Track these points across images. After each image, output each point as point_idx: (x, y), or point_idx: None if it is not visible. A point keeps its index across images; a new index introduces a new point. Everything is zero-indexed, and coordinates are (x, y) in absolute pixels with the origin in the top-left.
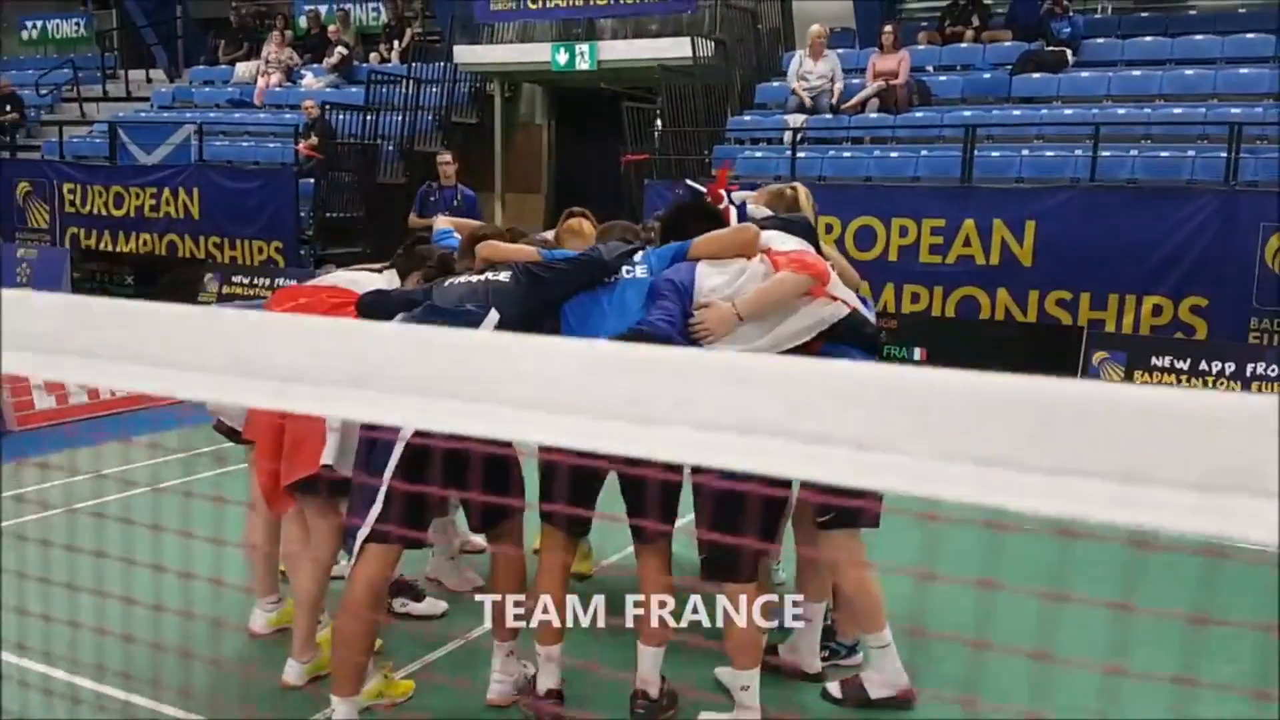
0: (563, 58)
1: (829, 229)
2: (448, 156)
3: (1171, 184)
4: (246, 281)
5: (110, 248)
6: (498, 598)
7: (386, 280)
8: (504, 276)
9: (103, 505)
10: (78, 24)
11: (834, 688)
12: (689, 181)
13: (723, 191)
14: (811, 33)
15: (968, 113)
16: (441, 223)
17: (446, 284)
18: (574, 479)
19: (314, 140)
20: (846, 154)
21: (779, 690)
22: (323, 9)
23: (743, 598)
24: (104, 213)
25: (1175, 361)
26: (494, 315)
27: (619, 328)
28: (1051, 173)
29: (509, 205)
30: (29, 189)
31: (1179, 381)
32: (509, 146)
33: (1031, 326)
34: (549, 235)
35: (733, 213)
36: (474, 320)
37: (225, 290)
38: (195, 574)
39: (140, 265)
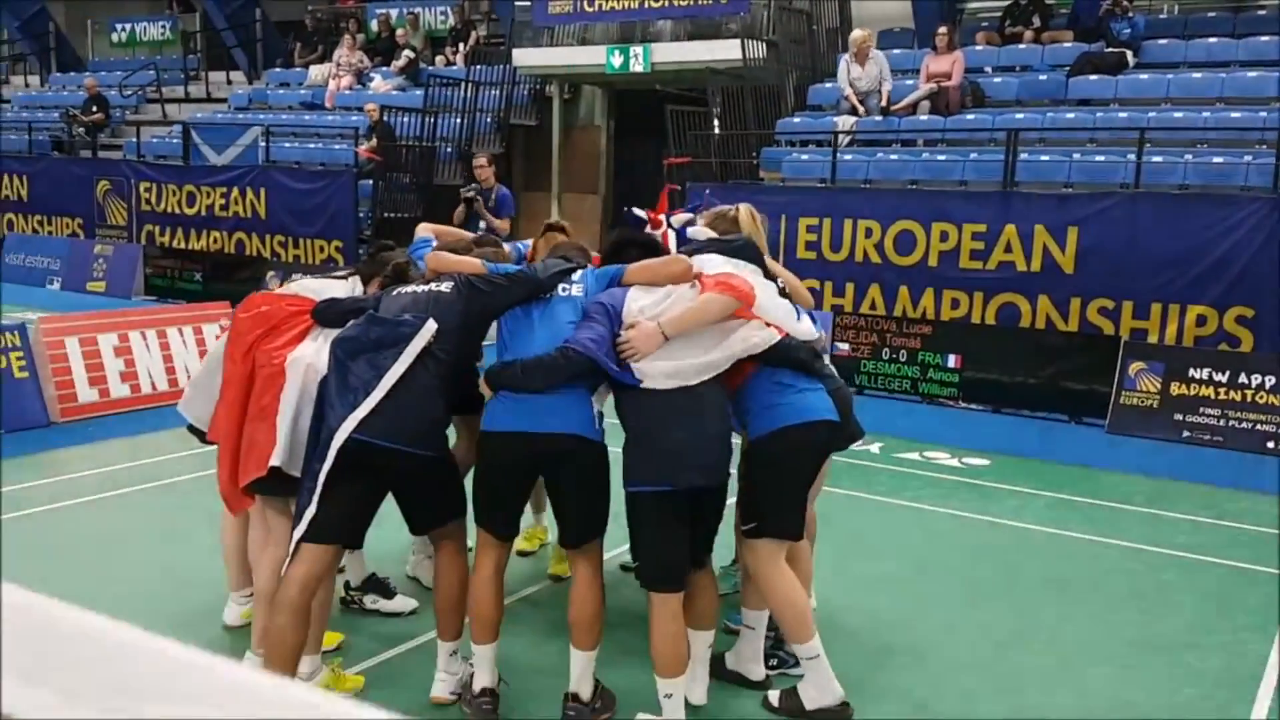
0: (617, 60)
1: (869, 233)
2: (482, 160)
3: (1218, 190)
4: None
5: (183, 245)
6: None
7: (350, 286)
8: (446, 287)
9: (121, 494)
10: (164, 27)
11: (774, 696)
12: (633, 209)
13: (662, 216)
14: (854, 39)
15: (1020, 115)
16: (422, 230)
17: (395, 293)
18: (502, 485)
19: (374, 143)
20: (893, 157)
21: (721, 697)
22: (393, 13)
23: (659, 605)
24: (177, 211)
25: (1214, 374)
26: (431, 325)
27: (547, 341)
28: (1102, 178)
29: (566, 206)
30: (109, 187)
31: (1217, 394)
32: (567, 147)
33: (1071, 335)
34: (528, 242)
35: (671, 236)
36: (410, 330)
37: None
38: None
39: (208, 262)
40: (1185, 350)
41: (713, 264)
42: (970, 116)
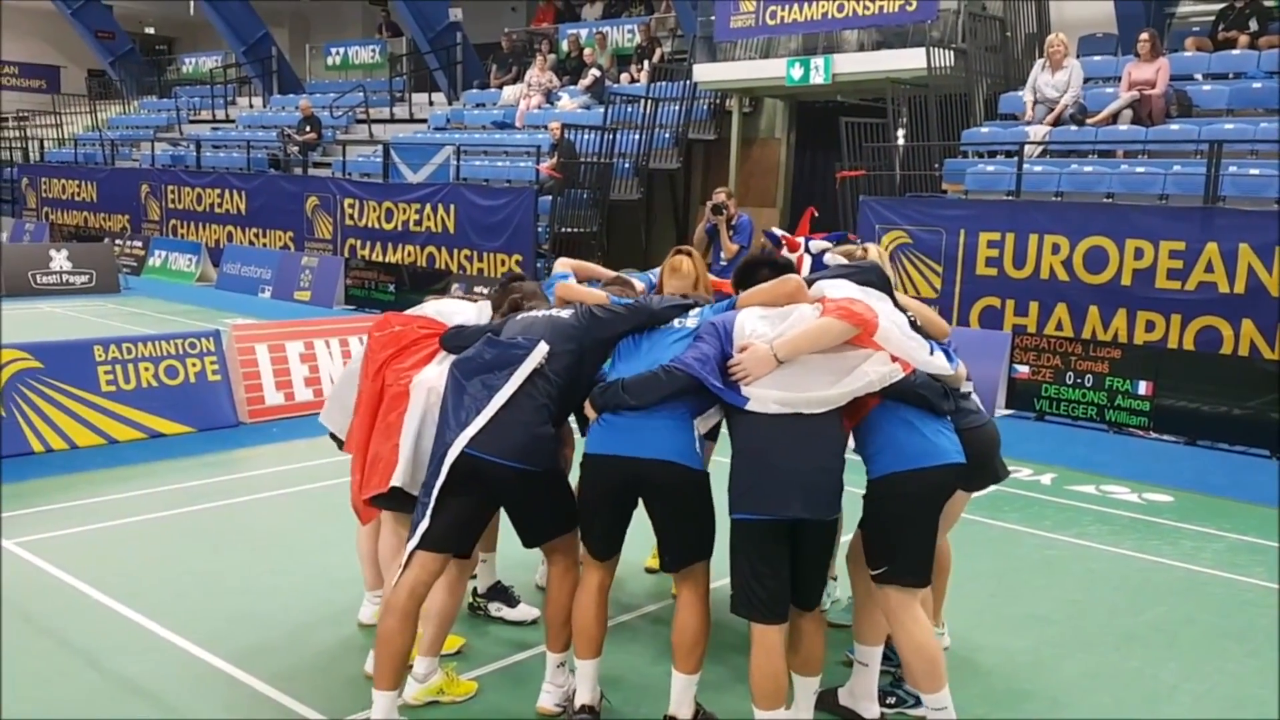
0: (797, 72)
1: (1055, 249)
2: (722, 196)
3: None
4: (485, 292)
5: (380, 258)
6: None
7: (479, 311)
8: (566, 314)
9: (295, 492)
10: (374, 50)
11: None
12: (773, 230)
13: (800, 239)
14: (1050, 42)
15: (1229, 126)
16: (561, 265)
17: (518, 317)
18: (599, 508)
19: (555, 160)
20: (1087, 169)
21: None
22: (583, 33)
23: (756, 636)
24: (376, 226)
25: None
26: (542, 347)
27: (651, 365)
28: None
29: None
30: (317, 203)
31: None
32: (745, 161)
33: (1277, 364)
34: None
35: (806, 260)
36: (522, 353)
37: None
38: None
39: (402, 274)
40: None
41: (837, 287)
42: (1174, 127)
